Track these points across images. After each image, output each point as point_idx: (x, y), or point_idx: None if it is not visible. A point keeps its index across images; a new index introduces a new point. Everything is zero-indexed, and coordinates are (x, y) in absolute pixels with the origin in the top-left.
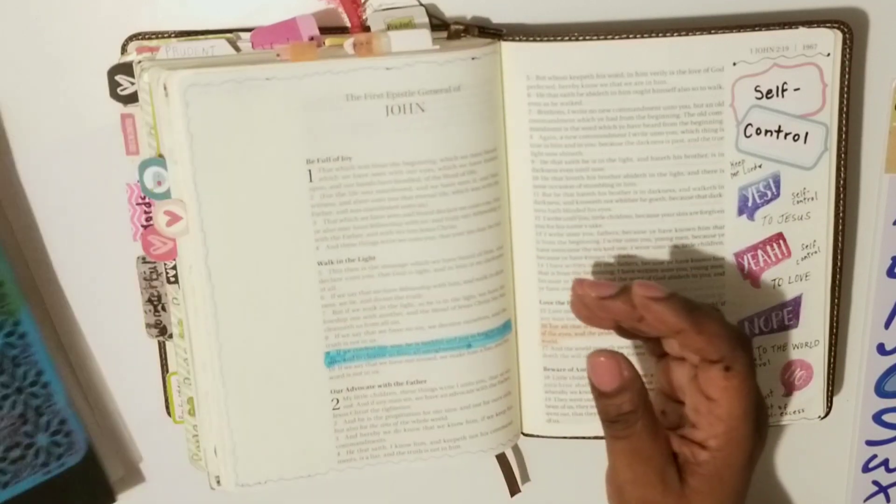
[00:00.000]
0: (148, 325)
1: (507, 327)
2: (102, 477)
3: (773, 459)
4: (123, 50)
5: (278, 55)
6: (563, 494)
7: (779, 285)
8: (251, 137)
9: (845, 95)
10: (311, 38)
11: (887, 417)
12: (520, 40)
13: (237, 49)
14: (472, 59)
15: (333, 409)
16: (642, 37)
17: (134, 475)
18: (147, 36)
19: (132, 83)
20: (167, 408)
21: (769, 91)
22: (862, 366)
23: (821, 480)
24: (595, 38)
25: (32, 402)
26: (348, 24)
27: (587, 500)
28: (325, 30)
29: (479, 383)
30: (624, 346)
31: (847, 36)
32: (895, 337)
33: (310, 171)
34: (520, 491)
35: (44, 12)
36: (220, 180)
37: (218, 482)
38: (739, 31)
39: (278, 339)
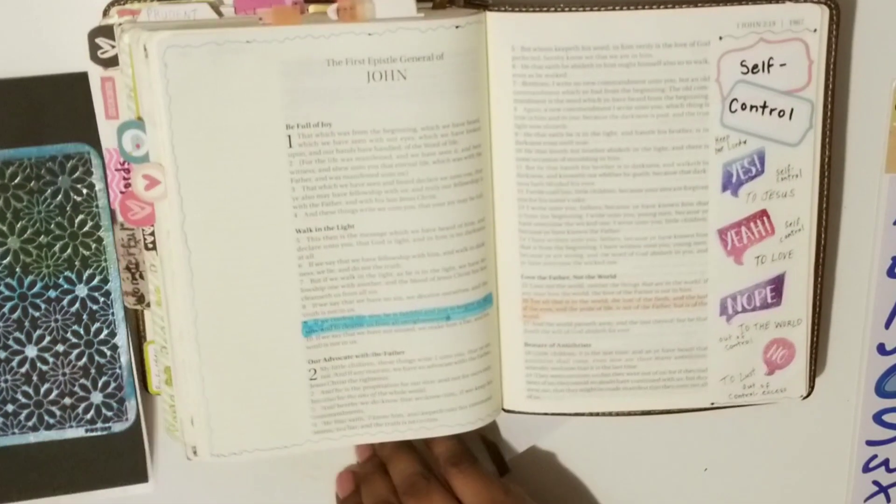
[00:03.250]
0: (125, 294)
1: (487, 301)
2: (141, 454)
3: (774, 459)
4: (105, 14)
5: (260, 19)
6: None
7: (762, 263)
8: (231, 101)
9: (831, 72)
10: (295, 4)
11: (887, 417)
12: (505, 10)
13: (219, 14)
14: (456, 27)
15: (310, 379)
16: (628, 9)
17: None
18: (129, 0)
19: (113, 46)
20: (144, 378)
21: (755, 66)
22: (862, 366)
23: (821, 480)
24: (581, 9)
25: (98, 359)
26: None
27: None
28: None
29: (457, 356)
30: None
31: (834, 12)
32: (895, 337)
33: (289, 136)
34: (509, 470)
35: (30, 34)
36: (199, 144)
37: (194, 452)
38: (726, 5)
39: (255, 307)
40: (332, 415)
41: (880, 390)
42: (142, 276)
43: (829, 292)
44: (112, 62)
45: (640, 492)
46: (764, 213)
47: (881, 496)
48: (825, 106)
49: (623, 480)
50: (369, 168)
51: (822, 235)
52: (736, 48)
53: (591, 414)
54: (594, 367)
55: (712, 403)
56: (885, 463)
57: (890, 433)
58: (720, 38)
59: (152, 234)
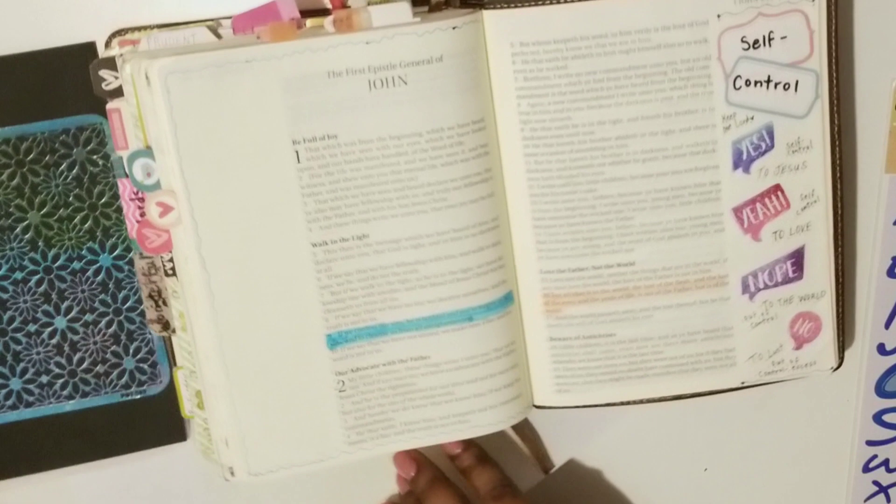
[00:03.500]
0: (150, 321)
1: (508, 299)
2: (177, 413)
3: (774, 459)
4: (107, 46)
5: (258, 37)
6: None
7: (780, 238)
8: (235, 121)
9: (834, 41)
10: (292, 19)
11: (887, 417)
12: (501, 7)
13: (218, 36)
14: (453, 28)
15: (339, 391)
16: None
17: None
18: (130, 30)
19: (116, 78)
20: (177, 403)
21: (756, 41)
22: (862, 366)
23: (821, 480)
24: None
25: (127, 326)
26: (329, 6)
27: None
28: (307, 13)
29: (483, 356)
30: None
31: None
32: (895, 337)
33: (297, 151)
34: (553, 466)
35: (35, 8)
36: (208, 167)
37: (231, 473)
38: None
39: (278, 324)
40: (364, 425)
41: (880, 390)
42: (165, 303)
43: (850, 261)
44: (117, 93)
45: (641, 490)
46: (777, 187)
47: (881, 496)
48: (830, 75)
49: (630, 477)
50: (379, 176)
51: (839, 205)
52: (735, 25)
53: (621, 403)
54: (621, 356)
55: (742, 383)
56: (885, 463)
57: (890, 433)
58: (718, 16)
59: (171, 260)
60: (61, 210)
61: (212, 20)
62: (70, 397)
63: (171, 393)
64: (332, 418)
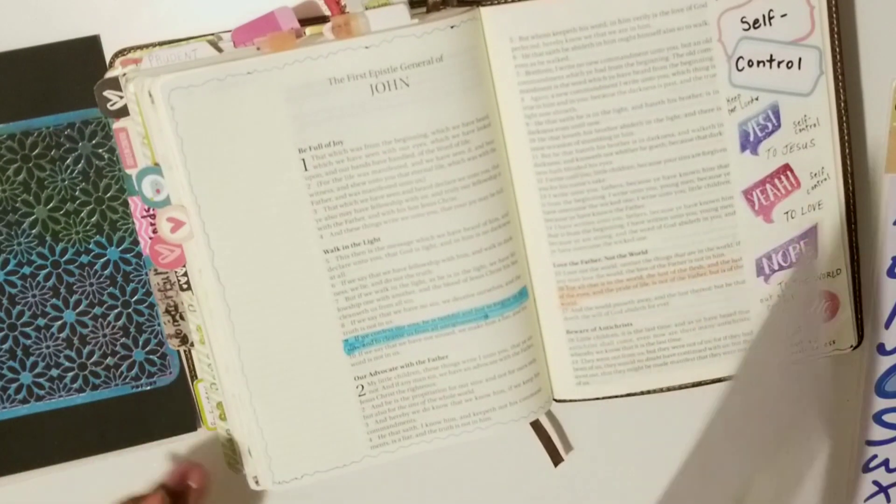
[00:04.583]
0: (168, 336)
1: (523, 294)
2: (189, 404)
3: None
4: (110, 66)
5: (258, 48)
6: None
7: (792, 217)
8: (241, 133)
9: (834, 14)
10: (291, 29)
11: (887, 417)
12: (498, 3)
13: (219, 50)
14: (451, 27)
15: (359, 395)
16: None
17: None
18: (131, 49)
19: (121, 97)
20: (199, 416)
21: (756, 21)
22: (862, 366)
23: (821, 480)
24: None
25: (136, 318)
26: (328, 14)
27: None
28: (306, 21)
29: (501, 353)
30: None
31: None
32: (895, 337)
33: (303, 160)
34: (563, 460)
35: (38, 2)
36: (217, 180)
37: (256, 482)
38: None
39: (295, 332)
40: (386, 427)
41: (880, 390)
42: (182, 317)
43: (865, 235)
44: (123, 112)
45: (639, 490)
46: (787, 167)
47: (881, 496)
48: (833, 50)
49: (627, 478)
50: (386, 179)
51: (850, 181)
52: (734, 5)
53: (642, 393)
54: (639, 346)
55: None
56: (885, 463)
57: (890, 433)
58: None
59: (185, 274)
60: (68, 204)
61: (212, 34)
62: (80, 390)
63: (181, 383)
64: (353, 423)
